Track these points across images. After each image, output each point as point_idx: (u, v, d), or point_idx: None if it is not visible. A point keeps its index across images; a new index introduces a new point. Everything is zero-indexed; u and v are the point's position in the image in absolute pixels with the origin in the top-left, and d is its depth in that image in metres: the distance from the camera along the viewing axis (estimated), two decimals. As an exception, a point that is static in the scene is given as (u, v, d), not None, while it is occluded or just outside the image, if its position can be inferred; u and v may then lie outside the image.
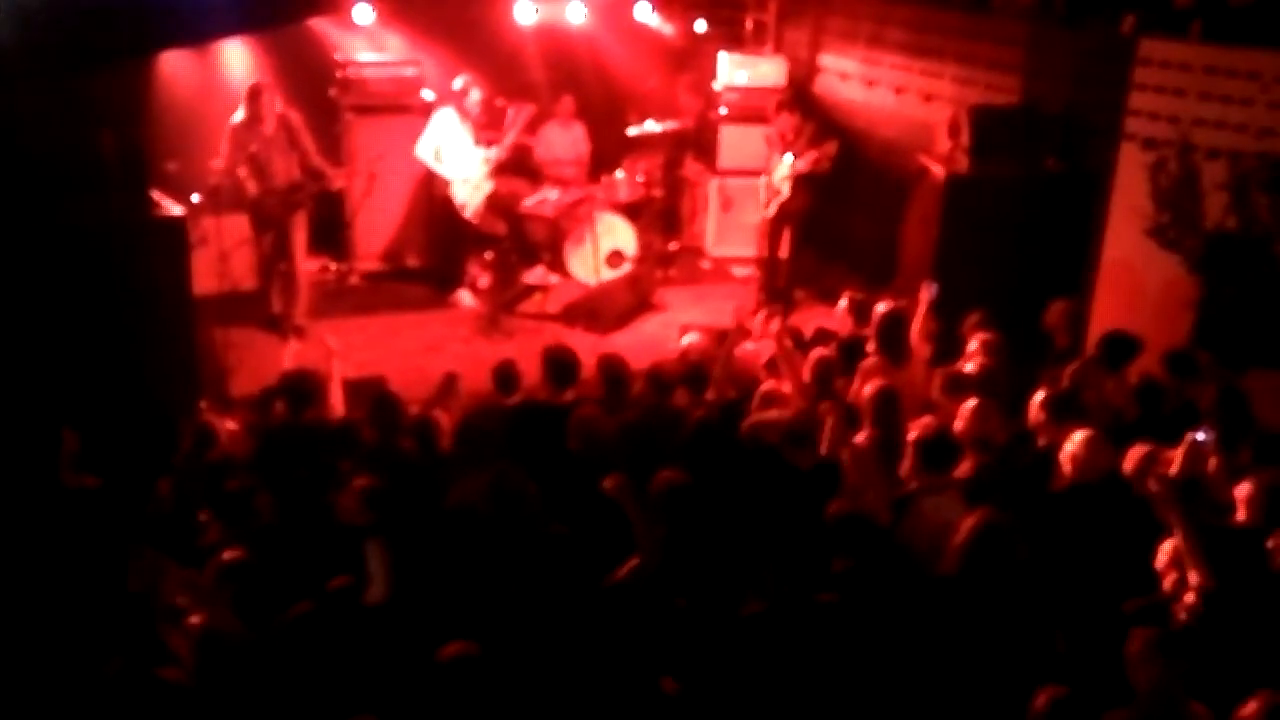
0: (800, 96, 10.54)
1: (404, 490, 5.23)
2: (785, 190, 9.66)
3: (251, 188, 8.67)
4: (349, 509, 5.04)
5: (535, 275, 10.21)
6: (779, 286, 10.01)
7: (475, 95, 9.65)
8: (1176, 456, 5.13)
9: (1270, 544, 4.60)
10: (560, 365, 6.29)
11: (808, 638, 4.30)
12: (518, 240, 10.30)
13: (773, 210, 9.83)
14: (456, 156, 9.64)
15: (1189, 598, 4.39)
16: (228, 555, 4.62)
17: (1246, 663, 4.15)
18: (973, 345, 6.69)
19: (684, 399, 6.36)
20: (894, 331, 6.70)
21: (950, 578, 4.56)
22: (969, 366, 6.50)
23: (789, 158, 9.56)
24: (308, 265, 9.29)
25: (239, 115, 8.62)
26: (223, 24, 7.49)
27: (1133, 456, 5.19)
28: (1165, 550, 4.68)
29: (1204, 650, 4.08)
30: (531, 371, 6.53)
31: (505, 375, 6.35)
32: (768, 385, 6.16)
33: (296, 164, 8.82)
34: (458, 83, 9.69)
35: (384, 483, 5.11)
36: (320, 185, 9.00)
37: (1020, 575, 4.54)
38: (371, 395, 6.24)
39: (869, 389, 5.89)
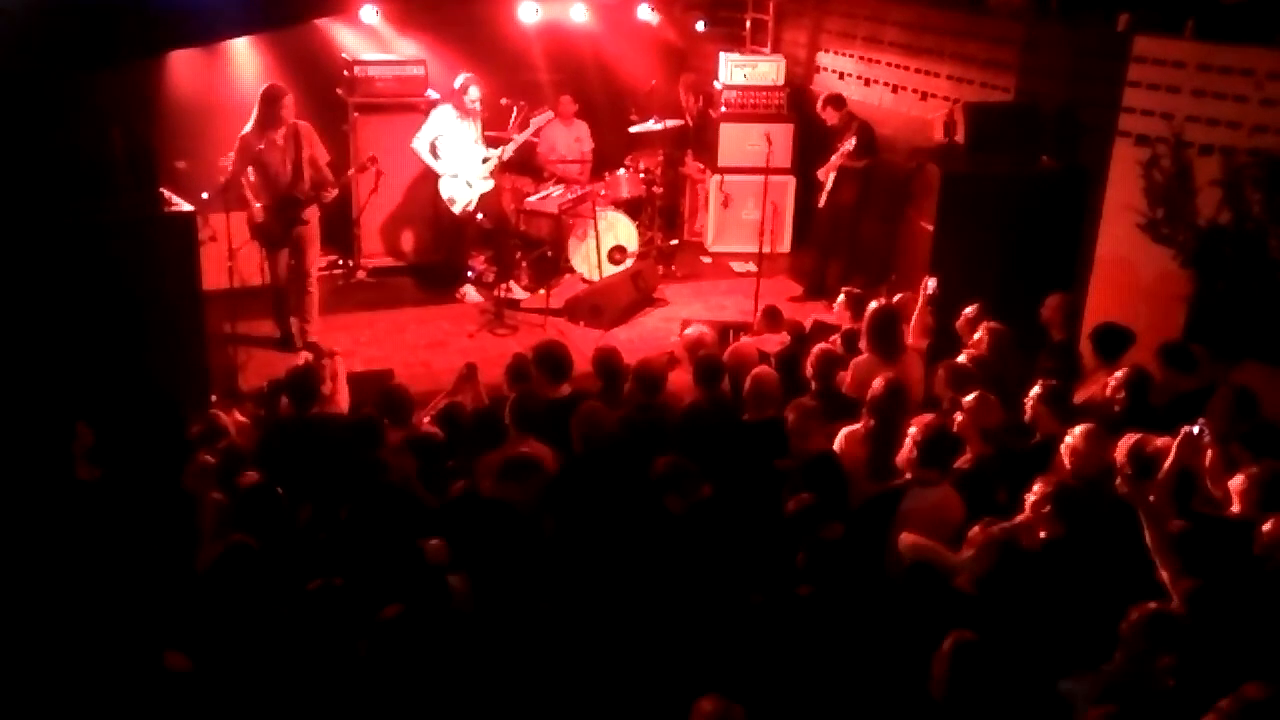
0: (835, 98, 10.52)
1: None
2: (829, 184, 9.92)
3: (261, 198, 8.47)
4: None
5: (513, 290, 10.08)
6: (822, 276, 10.22)
7: (474, 92, 9.72)
8: (1169, 447, 5.20)
9: (1265, 528, 4.63)
10: (553, 361, 6.39)
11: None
12: (518, 237, 10.41)
13: (823, 202, 10.08)
14: (452, 153, 9.74)
15: (1180, 587, 4.43)
16: None
17: (1237, 654, 4.17)
18: (978, 334, 6.75)
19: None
20: (886, 328, 6.73)
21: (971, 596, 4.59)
22: (961, 358, 6.58)
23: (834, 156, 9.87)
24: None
25: (250, 125, 8.44)
26: (231, 24, 7.59)
27: (1122, 446, 5.28)
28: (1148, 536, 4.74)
29: (1195, 641, 4.15)
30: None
31: (520, 370, 6.45)
32: (759, 370, 6.29)
33: (304, 176, 8.58)
34: (457, 80, 9.79)
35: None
36: (319, 196, 8.68)
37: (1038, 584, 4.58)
38: (379, 387, 6.34)
39: (878, 382, 5.95)
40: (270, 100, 8.41)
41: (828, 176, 9.93)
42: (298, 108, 8.64)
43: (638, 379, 6.33)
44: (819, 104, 10.22)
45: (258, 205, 8.53)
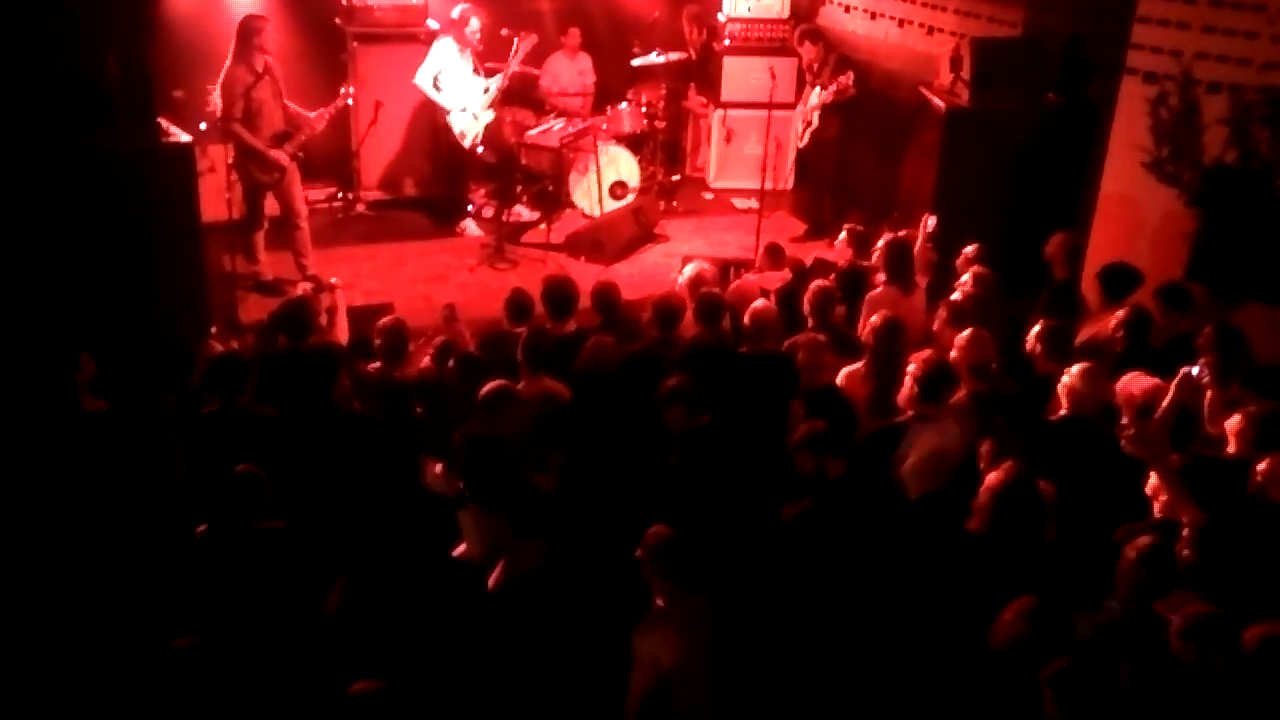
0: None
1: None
2: (815, 121, 9.81)
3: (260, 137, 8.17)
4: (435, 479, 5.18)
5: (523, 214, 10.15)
6: (820, 214, 10.14)
7: (474, 24, 9.59)
8: (1167, 389, 5.21)
9: (1259, 467, 4.67)
10: (560, 296, 6.37)
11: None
12: (519, 170, 10.34)
13: (806, 140, 9.98)
14: (455, 85, 9.63)
15: (1185, 532, 4.46)
16: None
17: (1237, 591, 4.22)
18: (965, 279, 6.77)
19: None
20: (901, 260, 6.78)
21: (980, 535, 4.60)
22: (955, 295, 6.58)
23: (817, 90, 9.71)
24: (315, 194, 9.21)
25: (229, 62, 8.13)
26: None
27: (1121, 386, 5.28)
28: (1155, 476, 4.78)
29: (1201, 580, 4.19)
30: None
31: (519, 305, 6.42)
32: (758, 304, 6.29)
33: (281, 112, 8.36)
34: (456, 11, 9.65)
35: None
36: (306, 134, 8.44)
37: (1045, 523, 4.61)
38: (381, 324, 6.31)
39: (876, 320, 5.95)
40: (253, 31, 8.16)
41: (813, 115, 9.83)
42: (296, 37, 8.45)
43: (657, 313, 6.34)
44: (795, 37, 10.10)
45: (284, 146, 8.24)
